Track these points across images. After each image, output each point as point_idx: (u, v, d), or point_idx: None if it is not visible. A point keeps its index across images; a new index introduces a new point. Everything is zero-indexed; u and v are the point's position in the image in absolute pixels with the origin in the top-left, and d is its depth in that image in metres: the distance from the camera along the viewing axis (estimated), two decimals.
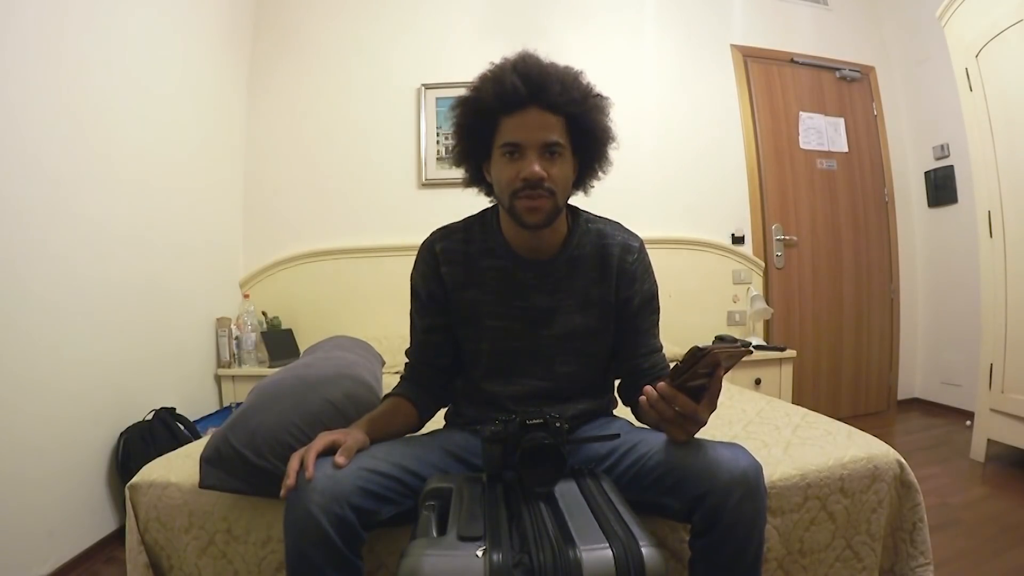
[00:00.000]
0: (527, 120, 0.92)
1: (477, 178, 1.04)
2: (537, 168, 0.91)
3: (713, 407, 0.83)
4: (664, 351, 1.09)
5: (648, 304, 1.07)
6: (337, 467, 0.80)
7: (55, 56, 1.59)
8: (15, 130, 1.46)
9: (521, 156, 0.92)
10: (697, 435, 0.87)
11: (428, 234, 1.09)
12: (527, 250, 1.02)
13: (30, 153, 1.51)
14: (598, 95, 0.98)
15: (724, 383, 0.86)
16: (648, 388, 0.83)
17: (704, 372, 0.78)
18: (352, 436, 0.87)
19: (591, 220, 1.07)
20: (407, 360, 1.10)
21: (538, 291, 1.02)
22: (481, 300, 1.02)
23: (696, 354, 0.75)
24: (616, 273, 1.04)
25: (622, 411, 1.16)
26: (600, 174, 1.04)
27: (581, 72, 0.97)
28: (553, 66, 0.95)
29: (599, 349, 1.06)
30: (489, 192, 1.05)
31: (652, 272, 1.09)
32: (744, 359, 2.48)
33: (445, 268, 1.03)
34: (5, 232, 1.42)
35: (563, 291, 1.02)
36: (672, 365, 0.84)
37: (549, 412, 0.86)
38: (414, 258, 1.09)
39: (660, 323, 1.11)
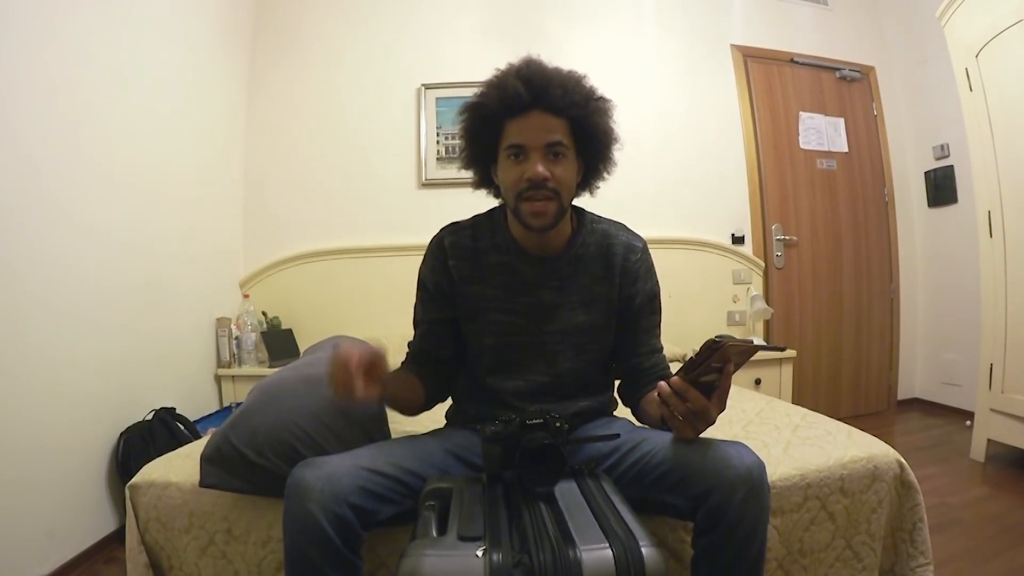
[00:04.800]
0: (530, 123, 0.94)
1: (486, 180, 1.06)
2: (540, 168, 0.93)
3: (723, 406, 0.83)
4: (664, 352, 1.10)
5: (650, 303, 1.08)
6: (363, 394, 0.77)
7: (53, 57, 1.59)
8: (13, 131, 1.46)
9: (525, 158, 0.95)
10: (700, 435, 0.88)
11: (429, 233, 1.12)
12: (533, 247, 1.04)
13: (30, 154, 1.51)
14: (600, 98, 1.00)
15: None
16: (662, 383, 0.84)
17: (716, 367, 0.79)
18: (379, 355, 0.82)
19: (596, 220, 1.09)
20: (408, 351, 1.11)
21: (543, 287, 1.04)
22: (486, 294, 1.04)
23: (712, 346, 0.77)
24: (620, 272, 1.05)
25: (622, 411, 1.17)
26: (605, 175, 1.06)
27: (584, 76, 1.00)
28: (556, 70, 0.97)
29: (600, 346, 1.07)
30: (498, 194, 1.07)
31: (655, 273, 1.10)
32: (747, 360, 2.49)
33: (452, 262, 1.05)
34: (5, 232, 1.42)
35: (567, 288, 1.04)
36: (687, 359, 0.84)
37: (549, 412, 0.86)
38: (415, 257, 1.12)
39: (660, 323, 1.12)
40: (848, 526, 1.05)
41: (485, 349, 1.05)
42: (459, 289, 1.05)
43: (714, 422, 0.83)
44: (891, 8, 3.26)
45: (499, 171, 1.00)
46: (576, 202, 1.08)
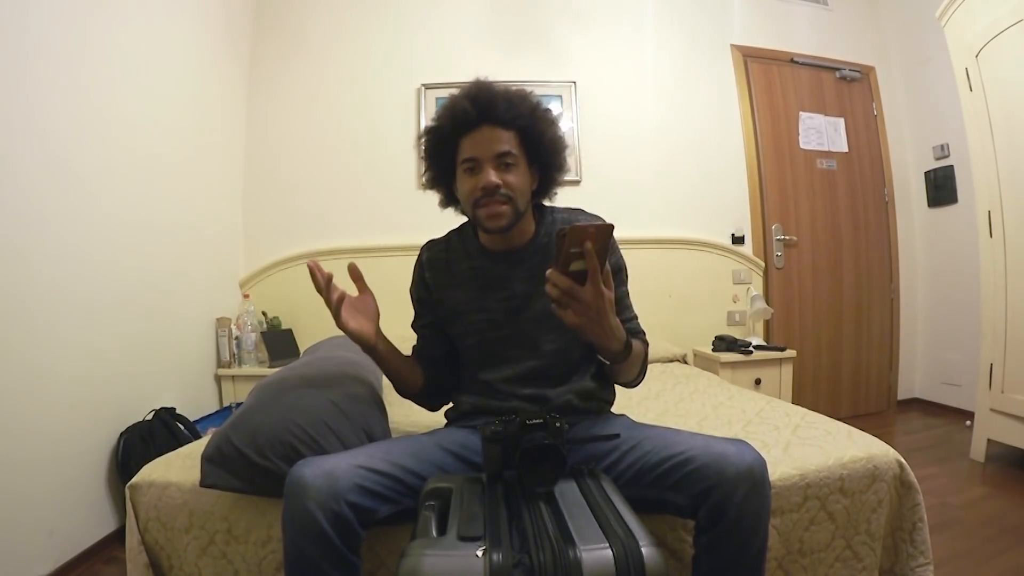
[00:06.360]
0: (480, 137, 1.02)
1: (451, 198, 1.13)
2: (492, 177, 1.00)
3: (598, 288, 0.82)
4: (639, 320, 1.14)
5: (617, 275, 1.11)
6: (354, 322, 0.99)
7: (57, 56, 1.59)
8: (27, 128, 1.46)
9: (479, 169, 1.02)
10: (700, 433, 0.91)
11: (429, 233, 1.22)
12: (500, 249, 1.10)
13: (40, 152, 1.51)
14: (546, 109, 1.09)
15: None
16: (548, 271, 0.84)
17: (576, 251, 0.79)
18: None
19: (556, 211, 1.16)
20: (413, 350, 1.23)
21: (514, 280, 1.09)
22: (462, 298, 1.11)
23: (560, 234, 0.79)
24: None
25: (619, 409, 1.17)
26: (560, 180, 1.13)
27: (530, 92, 1.09)
28: (503, 88, 1.05)
29: None
30: (463, 212, 1.14)
31: (618, 248, 1.14)
32: (747, 360, 2.49)
33: (428, 274, 1.16)
34: (11, 233, 1.42)
35: (537, 277, 1.08)
36: None
37: (550, 412, 0.87)
38: (415, 257, 1.20)
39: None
40: (848, 526, 1.05)
41: (471, 347, 1.12)
42: (437, 297, 1.14)
43: (592, 304, 0.83)
44: (891, 8, 3.26)
45: (458, 185, 1.08)
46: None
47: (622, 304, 1.12)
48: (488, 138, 1.02)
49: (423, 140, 1.10)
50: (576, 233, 0.78)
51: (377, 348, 1.04)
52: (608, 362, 0.98)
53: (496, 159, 1.01)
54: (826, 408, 2.74)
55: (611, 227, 0.80)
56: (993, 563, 1.47)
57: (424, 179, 1.15)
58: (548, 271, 0.83)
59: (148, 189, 2.00)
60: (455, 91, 1.08)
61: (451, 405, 1.18)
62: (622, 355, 0.95)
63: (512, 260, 1.09)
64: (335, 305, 0.96)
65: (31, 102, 1.51)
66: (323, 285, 0.95)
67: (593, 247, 0.79)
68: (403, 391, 1.17)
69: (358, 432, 1.04)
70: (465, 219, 1.17)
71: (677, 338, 2.74)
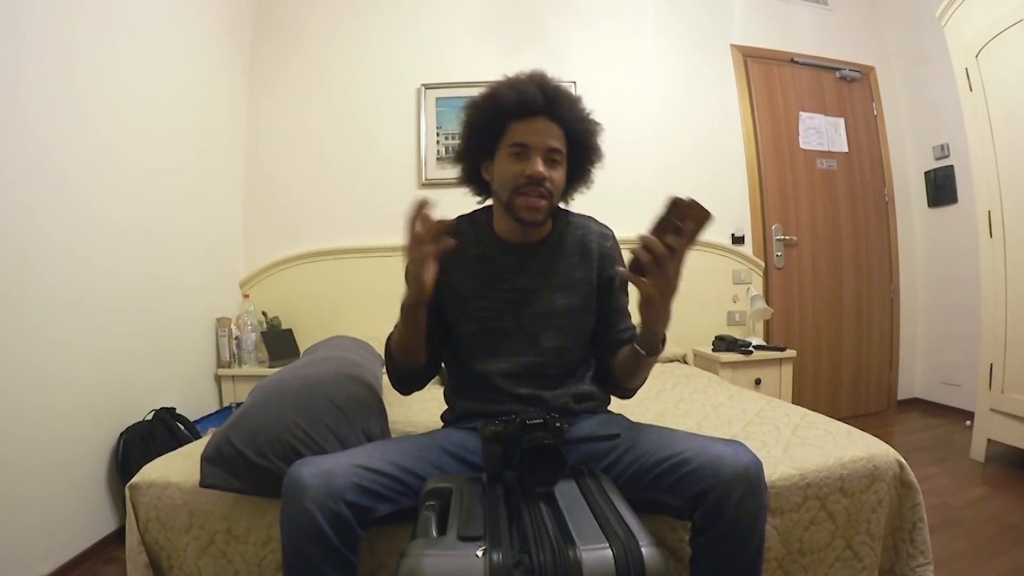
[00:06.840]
0: (537, 126, 1.02)
1: (472, 177, 1.12)
2: (541, 168, 1.01)
3: (679, 267, 0.87)
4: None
5: (625, 284, 1.14)
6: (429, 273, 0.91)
7: (60, 55, 1.59)
8: (25, 128, 1.46)
9: (527, 156, 1.02)
10: (697, 434, 0.90)
11: None
12: (514, 241, 1.10)
13: (39, 151, 1.51)
14: (594, 119, 1.10)
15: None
16: (641, 234, 0.87)
17: (676, 223, 0.83)
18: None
19: (568, 213, 1.18)
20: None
21: (523, 274, 1.09)
22: (468, 284, 1.10)
23: (675, 200, 0.83)
24: (597, 256, 1.13)
25: (619, 409, 1.17)
26: (583, 190, 1.14)
27: (581, 97, 1.10)
28: (564, 86, 1.06)
29: (582, 326, 1.11)
30: (479, 192, 1.15)
31: (622, 256, 1.15)
32: (747, 360, 2.50)
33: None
34: (10, 234, 1.42)
35: (547, 274, 1.09)
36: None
37: (549, 412, 0.87)
38: None
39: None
40: (848, 526, 1.05)
41: (470, 334, 1.10)
42: (440, 278, 1.07)
43: (672, 282, 0.88)
44: (891, 8, 3.26)
45: (496, 167, 1.06)
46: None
47: (624, 314, 1.14)
48: (544, 130, 1.02)
49: (471, 110, 1.07)
50: (684, 208, 0.82)
51: (421, 308, 0.97)
52: (644, 353, 0.98)
53: (547, 152, 1.02)
54: (826, 408, 2.73)
55: (711, 216, 0.83)
56: (993, 563, 1.47)
57: (457, 149, 1.12)
58: (642, 235, 0.85)
59: (148, 189, 2.00)
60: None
61: (447, 407, 1.17)
62: (661, 346, 0.97)
63: (524, 254, 1.10)
64: (434, 253, 0.90)
65: (30, 103, 1.51)
66: (432, 228, 0.89)
67: (693, 227, 0.83)
68: (404, 358, 1.06)
69: (357, 432, 1.04)
70: (475, 208, 1.17)
71: (677, 338, 2.74)
